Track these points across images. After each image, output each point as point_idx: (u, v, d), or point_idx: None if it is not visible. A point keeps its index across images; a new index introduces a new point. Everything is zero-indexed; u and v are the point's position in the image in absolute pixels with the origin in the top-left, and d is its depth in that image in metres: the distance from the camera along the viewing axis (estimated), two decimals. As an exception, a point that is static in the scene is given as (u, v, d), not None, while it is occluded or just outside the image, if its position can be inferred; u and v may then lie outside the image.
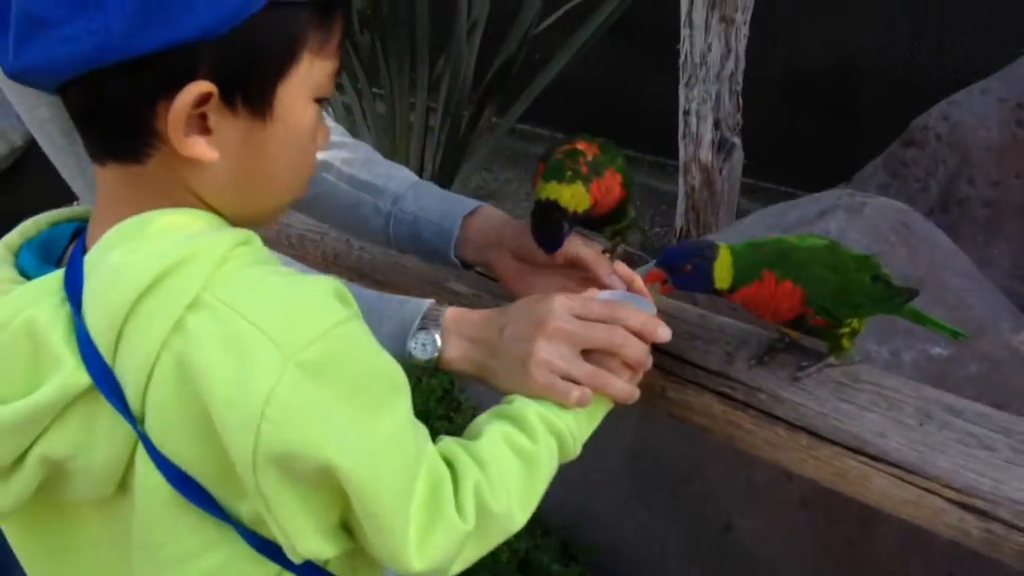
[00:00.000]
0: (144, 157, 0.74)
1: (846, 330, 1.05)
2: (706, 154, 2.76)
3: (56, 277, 0.74)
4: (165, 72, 0.69)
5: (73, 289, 0.72)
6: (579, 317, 0.95)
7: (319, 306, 0.73)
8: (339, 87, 3.81)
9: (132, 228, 0.74)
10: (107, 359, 0.70)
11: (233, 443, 0.69)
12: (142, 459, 0.73)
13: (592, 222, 1.16)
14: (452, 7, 3.34)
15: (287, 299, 0.72)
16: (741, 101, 2.74)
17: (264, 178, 0.79)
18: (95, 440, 0.73)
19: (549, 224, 1.06)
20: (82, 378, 0.70)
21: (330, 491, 0.74)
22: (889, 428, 0.99)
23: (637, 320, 0.96)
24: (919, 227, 2.03)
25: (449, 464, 0.84)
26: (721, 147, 2.75)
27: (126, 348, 0.70)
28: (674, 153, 2.89)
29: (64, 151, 1.00)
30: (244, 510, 0.75)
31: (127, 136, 0.73)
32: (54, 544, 0.82)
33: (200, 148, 0.73)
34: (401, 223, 1.19)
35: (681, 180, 2.87)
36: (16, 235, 0.82)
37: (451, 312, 1.00)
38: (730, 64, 2.66)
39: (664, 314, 1.18)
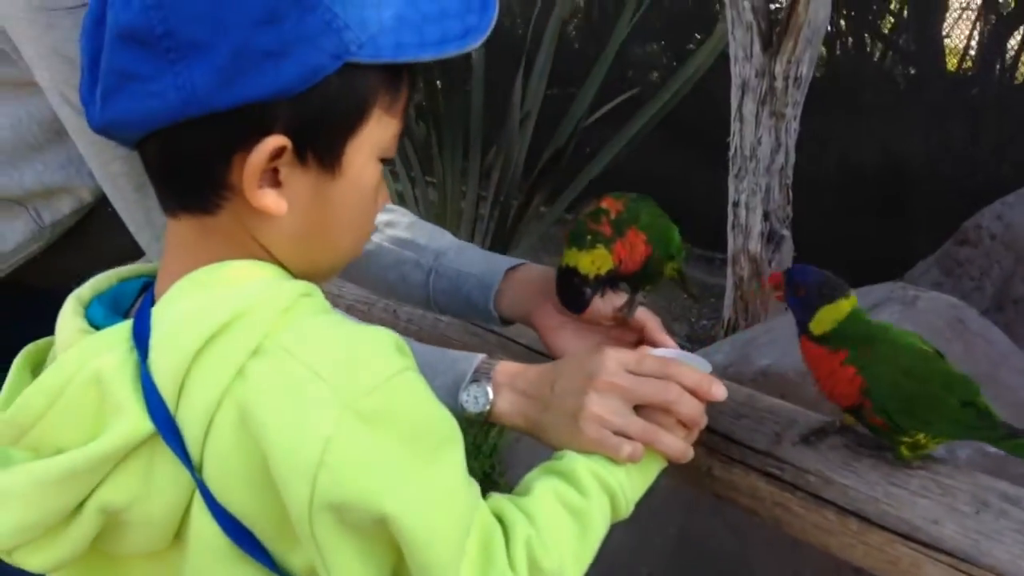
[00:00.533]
0: (216, 208, 0.77)
1: (907, 440, 1.00)
2: (755, 245, 2.76)
3: (125, 327, 0.76)
4: (243, 127, 0.72)
5: (141, 339, 0.74)
6: (632, 372, 0.94)
7: (379, 356, 0.74)
8: (393, 174, 3.90)
9: (200, 278, 0.76)
10: (170, 407, 0.71)
11: (290, 490, 0.69)
12: (199, 508, 0.73)
13: (623, 279, 1.16)
14: (506, 100, 3.44)
15: (347, 348, 0.73)
16: (791, 194, 2.75)
17: (328, 233, 0.81)
18: (153, 489, 0.73)
19: (570, 290, 1.07)
20: (145, 425, 0.71)
21: (384, 542, 0.74)
22: (943, 515, 0.95)
23: (692, 377, 0.95)
24: (974, 323, 1.99)
25: (499, 519, 0.82)
26: (771, 239, 2.75)
27: (189, 396, 0.71)
28: (722, 246, 2.89)
29: (135, 204, 1.04)
30: (297, 563, 0.75)
31: (201, 188, 0.76)
32: None
33: (271, 200, 0.75)
34: (442, 277, 1.20)
35: (730, 271, 2.87)
36: (87, 289, 0.84)
37: (503, 366, 1.00)
38: (780, 158, 2.68)
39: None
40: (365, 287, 1.37)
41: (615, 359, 0.94)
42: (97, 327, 0.79)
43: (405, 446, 0.72)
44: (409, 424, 0.73)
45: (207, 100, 0.70)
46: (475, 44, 0.79)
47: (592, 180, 3.63)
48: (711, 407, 1.08)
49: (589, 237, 1.08)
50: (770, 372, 1.91)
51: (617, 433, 0.91)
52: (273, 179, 0.76)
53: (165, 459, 0.72)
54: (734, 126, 2.73)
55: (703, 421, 0.96)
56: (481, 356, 1.01)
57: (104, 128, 0.74)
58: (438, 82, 3.50)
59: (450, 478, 0.76)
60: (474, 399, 0.98)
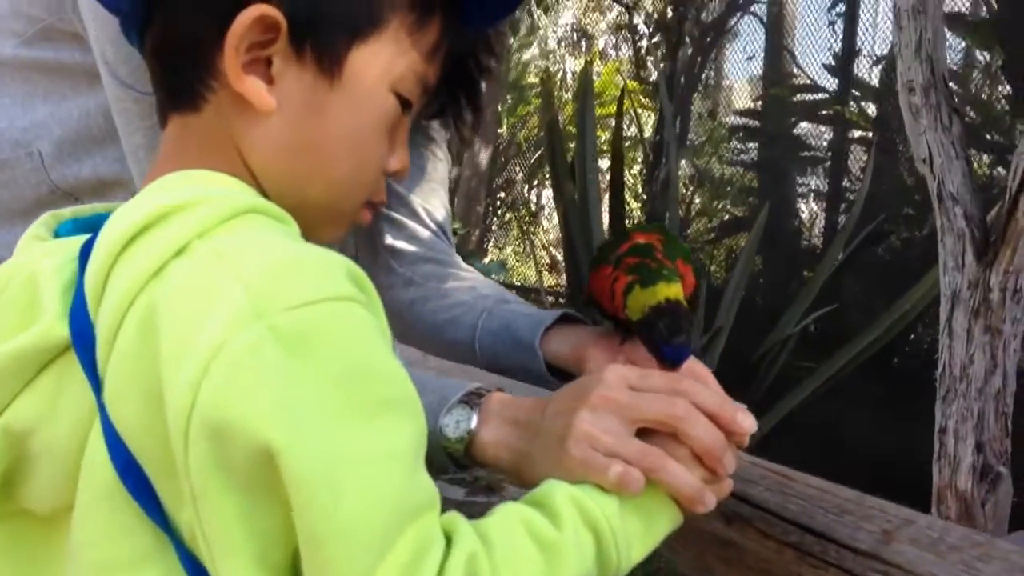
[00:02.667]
0: (201, 103, 0.73)
1: None
2: (965, 481, 2.38)
3: (78, 240, 0.71)
4: None
5: (88, 248, 0.68)
6: (635, 388, 0.77)
7: (321, 274, 0.62)
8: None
9: (155, 186, 0.70)
10: (92, 311, 0.64)
11: (171, 402, 0.58)
12: (96, 434, 0.63)
13: None
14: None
15: (285, 257, 0.62)
16: (1010, 425, 2.38)
17: (320, 152, 0.74)
18: (59, 409, 0.65)
19: (672, 327, 0.89)
20: (58, 329, 0.64)
21: (278, 512, 0.58)
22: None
23: (710, 399, 0.76)
24: None
25: (447, 536, 0.64)
26: (984, 475, 2.36)
27: (107, 296, 0.63)
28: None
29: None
30: (184, 519, 0.62)
31: (190, 74, 0.72)
32: (30, 568, 0.71)
33: (257, 88, 0.71)
34: (495, 317, 1.13)
35: (934, 511, 2.48)
36: (68, 211, 0.80)
37: (498, 395, 0.87)
38: (996, 380, 2.35)
39: (812, 487, 0.96)
40: (410, 338, 1.27)
41: (617, 373, 0.78)
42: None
43: (330, 385, 0.59)
44: (342, 364, 0.60)
45: None
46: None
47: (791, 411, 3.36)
48: (811, 501, 0.87)
49: (665, 271, 0.94)
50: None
51: (609, 456, 0.73)
52: (266, 73, 0.71)
53: (75, 375, 0.63)
54: (942, 342, 2.45)
55: (727, 460, 0.75)
56: (477, 383, 0.89)
57: None
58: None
59: (386, 450, 0.60)
60: (455, 422, 0.84)
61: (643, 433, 0.76)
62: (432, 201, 1.29)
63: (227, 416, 0.56)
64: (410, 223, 1.26)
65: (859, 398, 3.60)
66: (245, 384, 0.57)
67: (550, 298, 6.81)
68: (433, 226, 1.28)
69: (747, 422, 0.76)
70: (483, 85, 1.01)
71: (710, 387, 0.79)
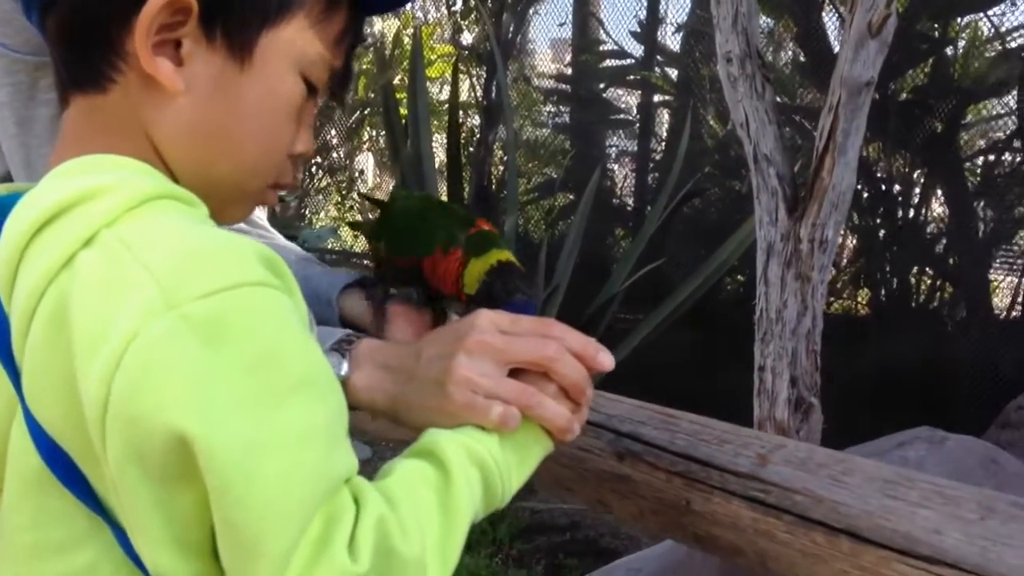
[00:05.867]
0: (108, 83, 0.72)
1: None
2: (782, 412, 2.64)
3: None
4: None
5: None
6: (506, 332, 0.82)
7: (232, 260, 0.62)
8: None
9: (60, 170, 0.69)
10: (4, 302, 0.64)
11: (87, 396, 0.59)
12: (17, 423, 0.64)
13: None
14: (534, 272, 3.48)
15: (195, 246, 0.63)
16: (819, 361, 2.66)
17: (228, 134, 0.74)
18: None
19: (515, 287, 0.96)
20: None
21: (195, 491, 0.60)
22: (945, 524, 0.83)
23: (576, 339, 0.82)
24: (1013, 466, 1.85)
25: (353, 498, 0.66)
26: (798, 406, 2.63)
27: (18, 287, 0.63)
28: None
29: (15, 141, 1.01)
30: (114, 501, 0.63)
31: (95, 53, 0.71)
32: None
33: (166, 70, 0.70)
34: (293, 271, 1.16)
35: (756, 443, 2.74)
36: None
37: (368, 341, 0.90)
38: (807, 321, 2.62)
39: (695, 423, 1.08)
40: None
41: (488, 317, 0.83)
42: None
43: (241, 372, 0.60)
44: (254, 348, 0.61)
45: None
46: None
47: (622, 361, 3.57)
48: (694, 436, 0.99)
49: (496, 239, 0.99)
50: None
51: (488, 397, 0.79)
52: (175, 55, 0.71)
53: None
54: (759, 289, 2.69)
55: (589, 392, 0.83)
56: (345, 331, 0.92)
57: None
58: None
59: (300, 428, 0.62)
60: None
61: (514, 372, 0.81)
62: None
63: (141, 408, 0.57)
64: None
65: (685, 344, 3.88)
66: (158, 375, 0.57)
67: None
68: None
69: (607, 360, 0.83)
70: None
71: (569, 328, 0.85)
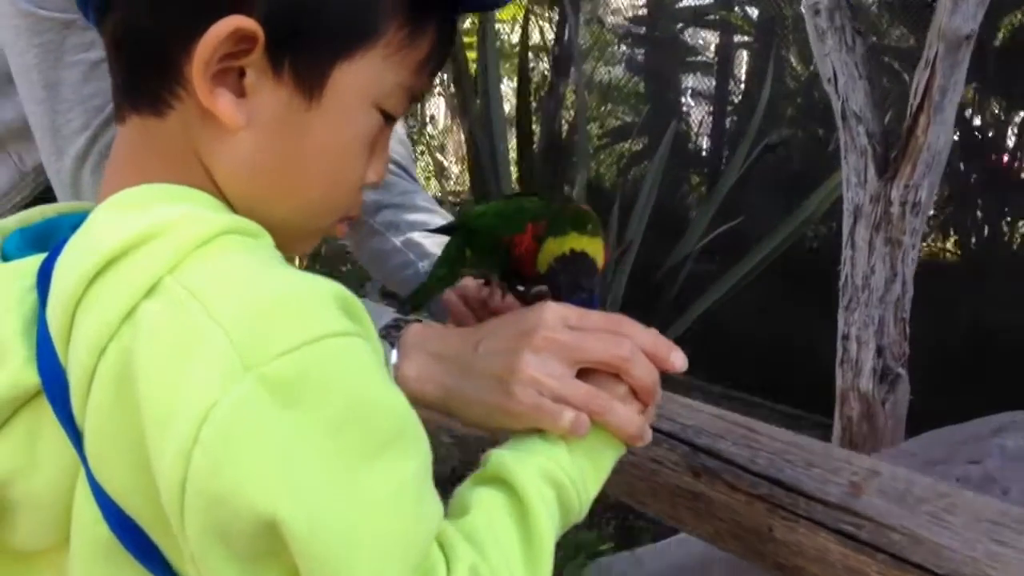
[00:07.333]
0: (165, 109, 0.65)
1: None
2: (867, 383, 2.52)
3: (34, 261, 0.64)
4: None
5: (46, 275, 0.61)
6: (575, 328, 0.76)
7: (309, 310, 0.57)
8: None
9: (118, 198, 0.63)
10: (60, 354, 0.58)
11: (161, 471, 0.53)
12: (83, 488, 0.58)
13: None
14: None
15: (268, 295, 0.56)
16: (908, 330, 2.53)
17: (292, 173, 0.67)
18: (38, 459, 0.60)
19: (579, 284, 0.87)
20: (29, 377, 0.58)
21: (285, 566, 0.55)
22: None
23: (647, 337, 0.76)
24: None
25: (440, 547, 0.63)
26: (884, 377, 2.51)
27: (76, 340, 0.57)
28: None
29: (42, 105, 0.95)
30: (190, 572, 0.58)
31: (153, 77, 0.65)
32: None
33: (226, 104, 0.63)
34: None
35: (837, 412, 2.63)
36: (13, 220, 0.72)
37: (417, 326, 0.83)
38: (896, 288, 2.48)
39: (778, 440, 1.00)
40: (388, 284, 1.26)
41: (555, 311, 0.76)
42: (8, 259, 0.67)
43: (327, 432, 0.55)
44: (339, 407, 0.56)
45: None
46: None
47: (696, 320, 3.48)
48: (778, 455, 0.91)
49: (582, 221, 0.89)
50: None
51: (557, 401, 0.73)
52: (237, 86, 0.64)
53: (50, 421, 0.59)
54: (845, 253, 2.56)
55: (659, 395, 0.77)
56: (392, 313, 0.85)
57: None
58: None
59: (394, 486, 0.57)
60: None
61: (580, 371, 0.76)
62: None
63: (224, 488, 0.52)
64: None
65: (761, 305, 3.75)
66: (240, 450, 0.53)
67: (444, 207, 6.78)
68: (392, 167, 1.24)
69: (680, 360, 0.77)
70: None
71: (640, 325, 0.79)
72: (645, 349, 0.76)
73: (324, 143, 0.67)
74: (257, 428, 0.53)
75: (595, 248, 0.86)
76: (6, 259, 0.67)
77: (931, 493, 0.86)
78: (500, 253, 0.97)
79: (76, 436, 0.57)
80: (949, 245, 4.49)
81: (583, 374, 0.75)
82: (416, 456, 0.60)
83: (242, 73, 0.63)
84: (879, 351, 2.52)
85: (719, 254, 3.70)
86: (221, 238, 0.60)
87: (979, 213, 4.37)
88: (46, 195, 1.06)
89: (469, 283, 1.03)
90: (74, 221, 0.70)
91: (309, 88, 0.64)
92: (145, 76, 0.65)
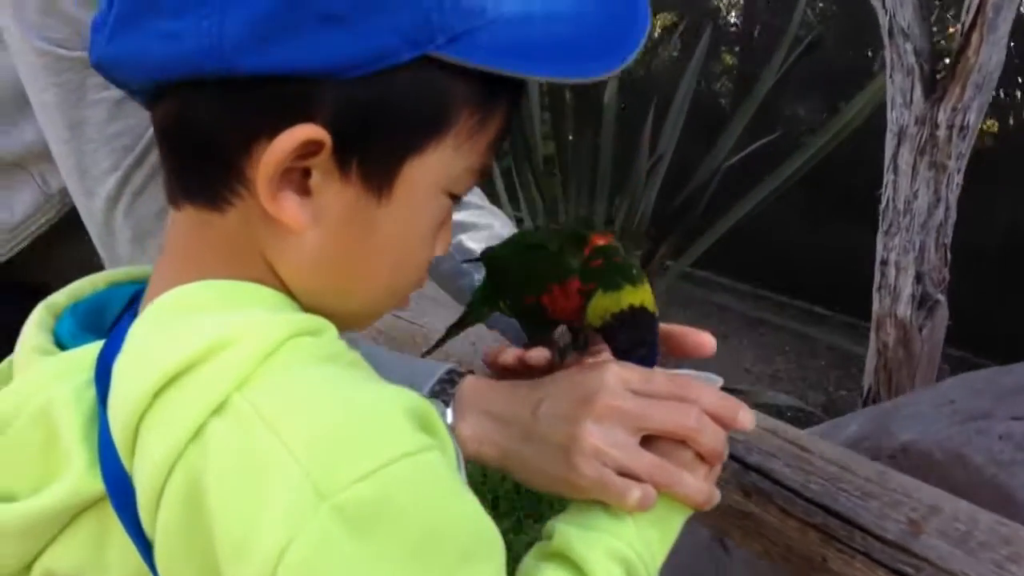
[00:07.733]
0: (224, 206, 0.61)
1: None
2: (904, 309, 2.48)
3: (91, 351, 0.62)
4: (275, 104, 0.57)
5: (106, 367, 0.59)
6: (638, 393, 0.73)
7: (381, 431, 0.55)
8: (519, 221, 3.80)
9: (180, 298, 0.61)
10: (124, 463, 0.56)
11: None
12: None
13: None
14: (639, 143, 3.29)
15: (338, 417, 0.55)
16: (949, 256, 2.47)
17: (360, 270, 0.64)
18: (106, 562, 0.59)
19: (642, 339, 0.82)
20: (93, 484, 0.57)
21: None
22: None
23: (713, 399, 0.73)
24: None
25: None
26: (923, 303, 2.47)
27: (143, 453, 0.56)
28: (866, 312, 2.63)
29: (66, 146, 0.91)
30: None
31: (211, 175, 0.61)
32: None
33: (291, 210, 0.59)
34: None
35: (873, 336, 2.60)
36: (63, 295, 0.69)
37: (472, 381, 0.80)
38: (939, 214, 2.41)
39: (832, 464, 0.97)
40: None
41: (617, 375, 0.73)
42: (63, 347, 0.65)
43: (406, 560, 0.54)
44: (416, 527, 0.54)
45: (231, 57, 0.55)
46: (613, 68, 0.62)
47: (725, 234, 3.41)
48: (832, 481, 0.88)
49: (632, 272, 0.84)
50: (911, 449, 1.65)
51: (621, 473, 0.71)
52: (301, 185, 0.60)
53: (117, 527, 0.58)
54: (887, 177, 2.48)
55: (726, 454, 0.74)
56: (447, 365, 0.82)
57: (101, 64, 0.59)
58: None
59: None
60: None
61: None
62: None
63: None
64: None
65: (796, 220, 3.67)
66: None
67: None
68: None
69: (748, 420, 0.75)
70: None
71: (706, 386, 0.76)
72: (712, 412, 0.73)
73: (394, 235, 0.64)
74: (335, 564, 0.52)
75: (649, 299, 0.82)
76: (60, 346, 0.65)
77: (995, 538, 0.83)
78: (533, 305, 0.93)
79: (144, 546, 0.57)
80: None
81: (648, 438, 0.73)
82: (493, 557, 0.59)
83: (307, 172, 0.59)
84: (918, 277, 2.47)
85: (753, 162, 3.60)
86: (287, 344, 0.58)
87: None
88: (71, 216, 1.01)
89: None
90: (127, 293, 0.69)
91: (378, 186, 0.61)
92: (200, 172, 0.61)
